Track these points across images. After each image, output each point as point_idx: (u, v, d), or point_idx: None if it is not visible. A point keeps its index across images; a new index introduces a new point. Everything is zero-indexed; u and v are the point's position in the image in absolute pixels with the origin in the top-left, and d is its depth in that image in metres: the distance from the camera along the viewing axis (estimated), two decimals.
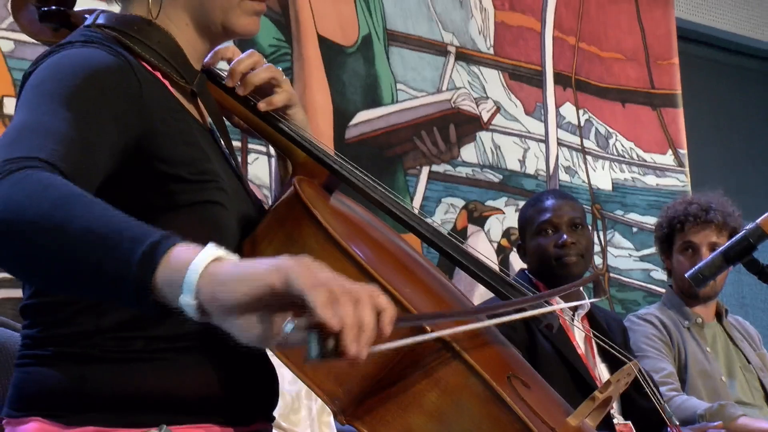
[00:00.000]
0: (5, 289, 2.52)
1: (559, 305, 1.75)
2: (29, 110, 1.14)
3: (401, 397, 1.20)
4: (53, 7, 1.37)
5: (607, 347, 1.85)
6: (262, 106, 1.42)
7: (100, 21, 1.32)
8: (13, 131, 1.11)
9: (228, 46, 1.45)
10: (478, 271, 1.45)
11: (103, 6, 1.41)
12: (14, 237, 1.01)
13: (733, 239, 1.87)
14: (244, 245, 1.29)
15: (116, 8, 1.39)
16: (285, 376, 1.29)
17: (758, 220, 1.83)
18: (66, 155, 1.08)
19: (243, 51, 1.45)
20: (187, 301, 0.97)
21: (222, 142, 1.42)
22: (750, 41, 5.00)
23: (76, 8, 1.42)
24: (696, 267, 1.89)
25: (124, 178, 1.21)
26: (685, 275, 1.99)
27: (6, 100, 2.61)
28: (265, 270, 0.96)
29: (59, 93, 1.16)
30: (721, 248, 1.90)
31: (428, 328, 1.18)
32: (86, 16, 1.37)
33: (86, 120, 1.14)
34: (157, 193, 1.24)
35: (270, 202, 1.54)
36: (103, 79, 1.20)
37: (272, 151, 1.66)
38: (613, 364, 2.68)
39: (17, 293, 1.31)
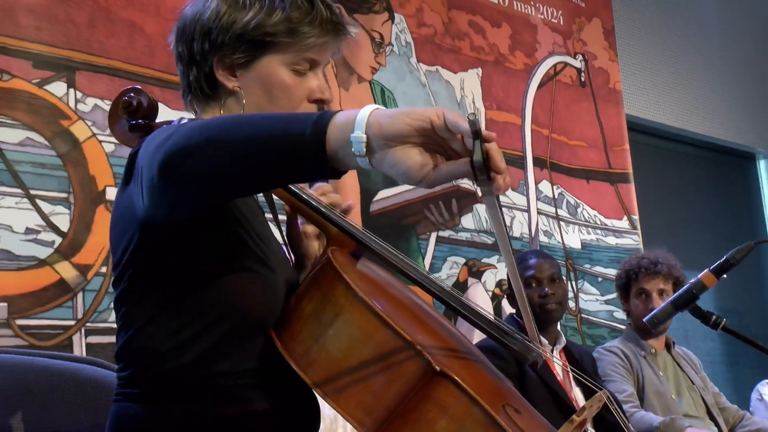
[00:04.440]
0: (107, 336, 2.51)
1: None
2: (154, 143, 1.10)
3: (417, 424, 1.16)
4: (140, 121, 1.37)
5: (579, 377, 1.80)
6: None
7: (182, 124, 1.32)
8: (154, 146, 1.06)
9: None
10: (475, 319, 1.42)
11: (176, 116, 1.41)
12: (206, 148, 0.99)
13: (680, 291, 1.86)
14: (290, 300, 1.26)
15: (191, 115, 1.38)
16: (325, 402, 1.26)
17: (699, 276, 1.82)
18: None
19: None
20: (358, 135, 0.94)
21: (272, 217, 1.41)
22: (685, 132, 5.04)
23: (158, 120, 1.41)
24: (652, 313, 1.87)
25: (213, 238, 1.20)
26: (643, 319, 1.97)
27: (108, 189, 2.62)
28: (424, 108, 0.95)
29: (174, 128, 1.12)
30: (670, 298, 1.88)
31: (437, 368, 1.15)
32: (165, 126, 1.36)
33: None
34: (230, 253, 1.21)
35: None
36: None
37: None
38: (586, 389, 2.63)
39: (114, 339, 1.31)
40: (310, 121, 0.98)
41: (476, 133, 0.93)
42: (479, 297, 3.50)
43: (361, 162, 0.97)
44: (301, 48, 1.28)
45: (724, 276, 1.80)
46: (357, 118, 0.95)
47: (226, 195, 1.11)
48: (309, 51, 1.29)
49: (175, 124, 1.32)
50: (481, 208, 3.69)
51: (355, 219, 3.30)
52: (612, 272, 3.85)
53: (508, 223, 3.78)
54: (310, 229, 1.44)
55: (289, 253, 1.42)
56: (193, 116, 1.36)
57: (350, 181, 3.27)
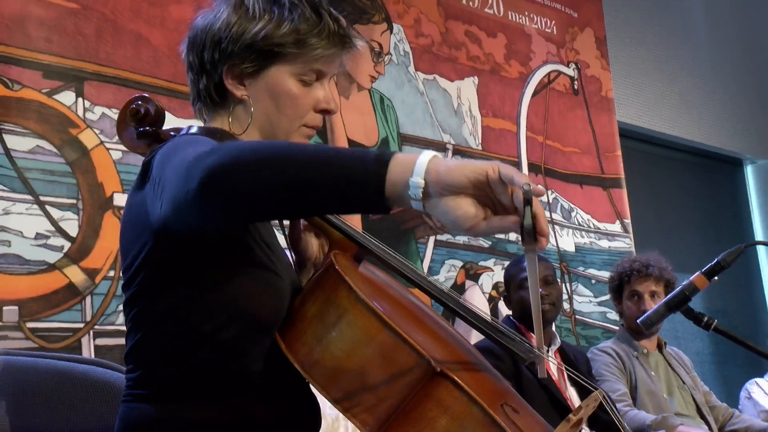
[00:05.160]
0: (115, 338, 2.51)
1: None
2: (177, 154, 1.08)
3: (418, 423, 1.16)
4: (147, 128, 1.36)
5: (575, 376, 1.79)
6: None
7: (191, 131, 1.32)
8: (183, 159, 1.03)
9: None
10: (473, 320, 1.41)
11: (182, 124, 1.40)
12: (262, 168, 0.97)
13: (673, 293, 1.85)
14: (295, 302, 1.26)
15: (199, 122, 1.38)
16: (326, 402, 1.26)
17: (691, 278, 1.80)
18: None
19: None
20: (417, 181, 0.95)
21: (277, 222, 1.41)
22: (675, 138, 5.05)
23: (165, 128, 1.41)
24: (646, 314, 1.86)
25: (223, 245, 1.19)
26: (638, 321, 1.96)
27: (115, 195, 2.62)
28: (481, 162, 0.96)
29: (196, 141, 1.13)
30: (664, 300, 1.87)
31: (437, 368, 1.14)
32: (172, 133, 1.36)
33: None
34: (239, 259, 1.21)
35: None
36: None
37: None
38: (581, 388, 2.62)
39: (121, 341, 1.31)
40: (370, 157, 0.97)
41: (528, 201, 0.97)
42: (476, 299, 3.49)
43: (415, 204, 0.97)
44: (309, 59, 1.28)
45: (716, 278, 1.80)
46: (417, 164, 0.96)
47: (271, 216, 1.10)
48: (316, 62, 1.29)
49: (185, 132, 1.32)
50: None
51: (355, 223, 3.31)
52: (605, 275, 3.84)
53: None
54: (310, 230, 1.44)
55: (291, 256, 1.41)
56: (201, 123, 1.36)
57: None
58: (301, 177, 0.97)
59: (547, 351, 2.75)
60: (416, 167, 0.96)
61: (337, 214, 1.13)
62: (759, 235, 5.41)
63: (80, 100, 2.62)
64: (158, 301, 1.20)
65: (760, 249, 5.35)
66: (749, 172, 5.60)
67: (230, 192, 0.98)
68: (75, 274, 2.50)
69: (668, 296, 1.86)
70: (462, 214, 0.97)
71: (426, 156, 0.97)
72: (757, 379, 3.75)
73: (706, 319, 1.82)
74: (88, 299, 2.51)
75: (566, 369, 2.59)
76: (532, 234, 0.98)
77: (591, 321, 3.98)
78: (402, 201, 0.97)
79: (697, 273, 1.80)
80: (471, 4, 3.91)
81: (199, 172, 0.99)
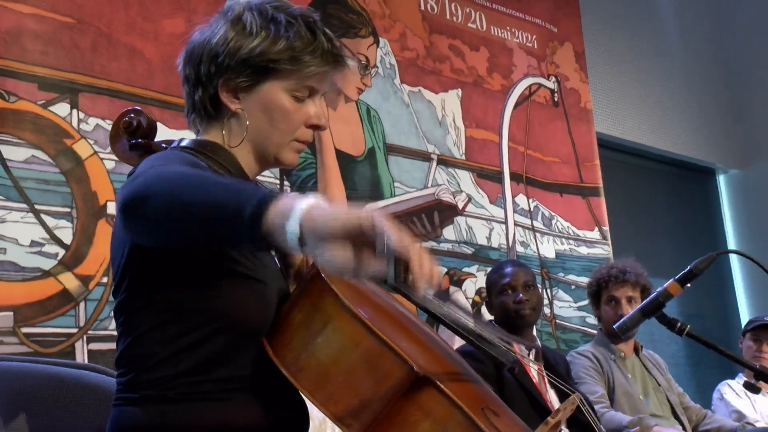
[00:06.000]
0: (108, 343, 2.49)
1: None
2: (151, 169, 1.13)
3: (401, 426, 1.16)
4: (139, 140, 1.36)
5: (554, 380, 1.80)
6: None
7: (182, 144, 1.32)
8: (146, 177, 1.09)
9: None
10: (454, 325, 1.41)
11: (174, 135, 1.40)
12: (161, 201, 1.04)
13: (647, 299, 1.85)
14: (281, 310, 1.25)
15: (191, 134, 1.38)
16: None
17: (665, 285, 1.81)
18: None
19: None
20: (292, 227, 0.95)
21: None
22: (651, 149, 5.07)
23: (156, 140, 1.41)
24: (622, 320, 1.87)
25: (203, 255, 1.19)
26: (614, 326, 1.97)
27: (109, 204, 2.61)
28: (356, 212, 0.95)
29: (170, 162, 1.16)
30: (638, 306, 1.87)
31: (420, 373, 1.14)
32: (163, 145, 1.36)
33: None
34: (223, 268, 1.21)
35: None
36: (195, 163, 1.21)
37: None
38: (560, 391, 2.63)
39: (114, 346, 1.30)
40: (253, 200, 0.98)
41: (390, 257, 0.94)
42: (460, 304, 3.50)
43: (293, 247, 0.97)
44: (302, 76, 1.29)
45: (688, 285, 1.81)
46: (293, 211, 0.96)
47: (175, 244, 1.12)
48: (309, 79, 1.29)
49: (176, 144, 1.32)
50: (461, 221, 3.69)
51: None
52: (584, 280, 3.85)
53: (486, 234, 3.79)
54: None
55: (280, 263, 1.41)
56: (194, 135, 1.36)
57: (337, 194, 3.27)
58: (193, 216, 1.02)
59: (529, 355, 2.76)
60: (292, 214, 0.96)
61: (231, 249, 1.18)
62: (731, 243, 5.44)
63: (75, 111, 2.61)
64: (145, 308, 1.20)
65: (732, 255, 5.38)
66: (721, 181, 5.64)
67: (139, 216, 1.06)
68: (69, 281, 2.49)
69: (643, 303, 1.87)
70: (337, 260, 0.95)
71: (303, 203, 0.97)
72: (729, 381, 3.77)
73: (679, 324, 1.83)
74: (82, 305, 2.50)
75: (547, 374, 2.60)
76: (399, 289, 0.95)
77: (570, 325, 3.99)
78: (281, 242, 0.97)
79: (671, 280, 1.81)
80: (454, 19, 3.93)
81: (123, 194, 1.08)
